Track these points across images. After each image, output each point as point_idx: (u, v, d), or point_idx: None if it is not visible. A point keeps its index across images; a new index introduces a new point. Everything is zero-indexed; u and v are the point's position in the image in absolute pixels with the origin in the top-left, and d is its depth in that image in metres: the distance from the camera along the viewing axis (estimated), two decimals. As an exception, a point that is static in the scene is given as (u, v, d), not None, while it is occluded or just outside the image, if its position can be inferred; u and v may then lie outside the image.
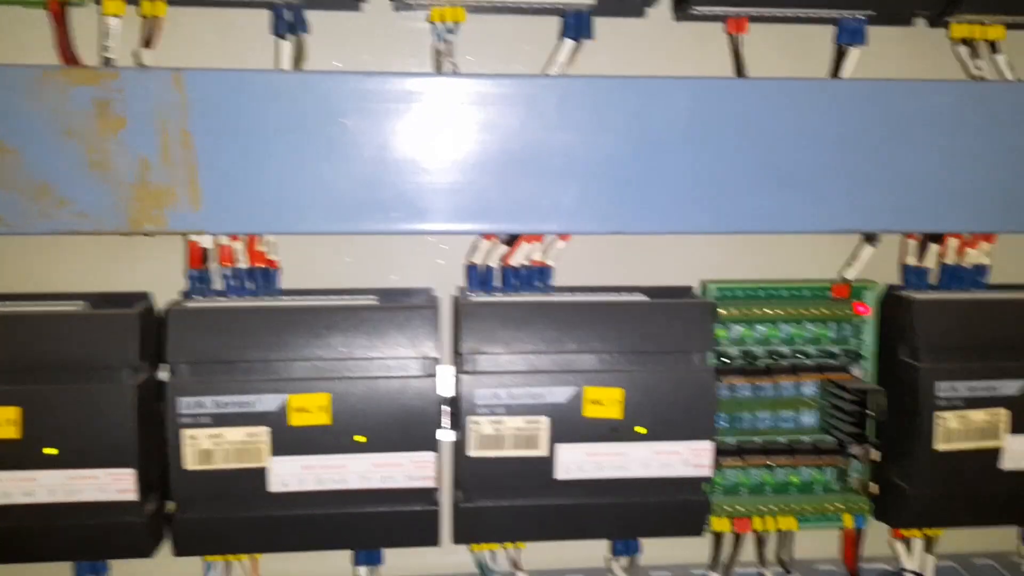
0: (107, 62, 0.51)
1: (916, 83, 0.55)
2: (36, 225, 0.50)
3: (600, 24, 0.56)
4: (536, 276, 0.57)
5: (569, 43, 0.55)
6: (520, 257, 0.57)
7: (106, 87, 0.49)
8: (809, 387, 0.60)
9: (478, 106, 0.52)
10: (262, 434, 0.52)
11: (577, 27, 0.55)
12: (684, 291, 0.59)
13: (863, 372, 0.59)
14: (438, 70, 0.54)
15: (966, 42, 0.58)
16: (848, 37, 0.57)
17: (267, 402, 0.52)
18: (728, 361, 0.58)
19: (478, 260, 0.57)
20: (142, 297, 0.56)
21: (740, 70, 0.56)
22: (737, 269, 0.61)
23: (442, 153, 0.52)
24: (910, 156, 0.55)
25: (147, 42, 0.53)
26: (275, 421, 0.52)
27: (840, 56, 0.57)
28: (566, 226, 0.54)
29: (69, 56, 0.52)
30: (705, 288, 0.59)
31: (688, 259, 0.62)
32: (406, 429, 0.53)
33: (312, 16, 0.55)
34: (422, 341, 0.54)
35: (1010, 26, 0.57)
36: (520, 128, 0.52)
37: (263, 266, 0.55)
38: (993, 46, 0.57)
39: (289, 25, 0.54)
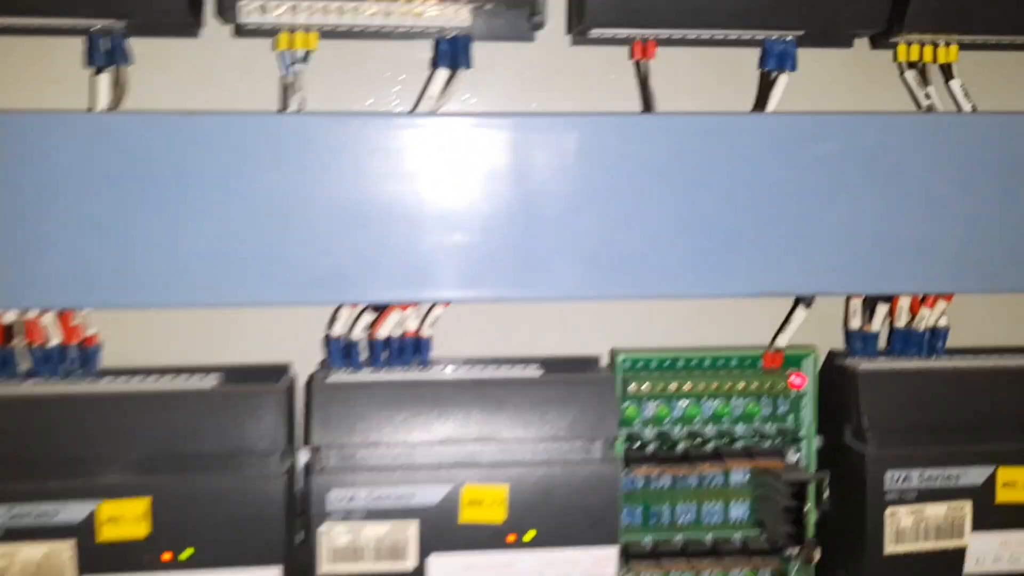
0: None
1: (856, 117, 0.46)
2: None
3: (485, 50, 0.48)
4: (411, 349, 0.48)
5: (442, 73, 0.46)
6: (390, 326, 0.48)
7: None
8: (738, 474, 0.51)
9: (327, 151, 0.43)
10: (64, 551, 0.43)
11: (452, 54, 0.46)
12: (588, 362, 0.51)
13: (801, 456, 0.50)
14: (284, 107, 0.46)
15: (914, 66, 0.49)
16: (775, 62, 0.48)
17: (71, 511, 0.43)
18: (640, 446, 0.49)
19: (339, 331, 0.48)
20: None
21: (648, 104, 0.48)
22: (652, 335, 0.53)
23: (280, 207, 0.43)
24: (850, 203, 0.46)
25: (-68, 78, 0.44)
26: (81, 534, 0.43)
27: (766, 85, 0.48)
28: (436, 293, 0.45)
29: None
30: (614, 358, 0.50)
31: (596, 323, 0.53)
32: (247, 539, 0.44)
33: (140, 45, 0.46)
34: (268, 431, 0.45)
35: (965, 47, 0.49)
36: (379, 176, 0.43)
37: (79, 343, 0.46)
38: (946, 70, 0.49)
39: (107, 56, 0.45)
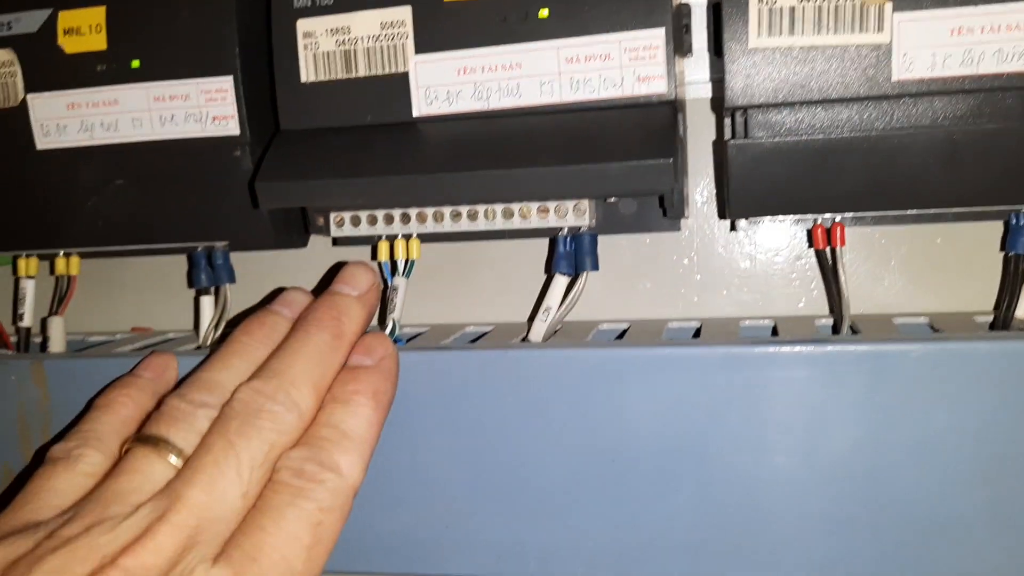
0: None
1: None
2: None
3: (619, 244, 0.39)
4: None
5: (561, 281, 0.37)
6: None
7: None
8: None
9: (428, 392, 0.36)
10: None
11: (573, 256, 0.37)
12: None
13: None
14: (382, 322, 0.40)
15: None
16: (1027, 243, 0.34)
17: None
18: None
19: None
20: None
21: (839, 315, 0.35)
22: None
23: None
24: None
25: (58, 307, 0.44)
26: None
27: (1014, 275, 0.34)
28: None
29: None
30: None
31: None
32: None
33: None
34: None
35: None
36: (492, 428, 0.35)
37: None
38: None
39: (209, 276, 0.42)
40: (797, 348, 0.32)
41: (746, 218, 0.35)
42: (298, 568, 0.24)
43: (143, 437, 0.27)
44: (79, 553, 0.23)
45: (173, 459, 0.26)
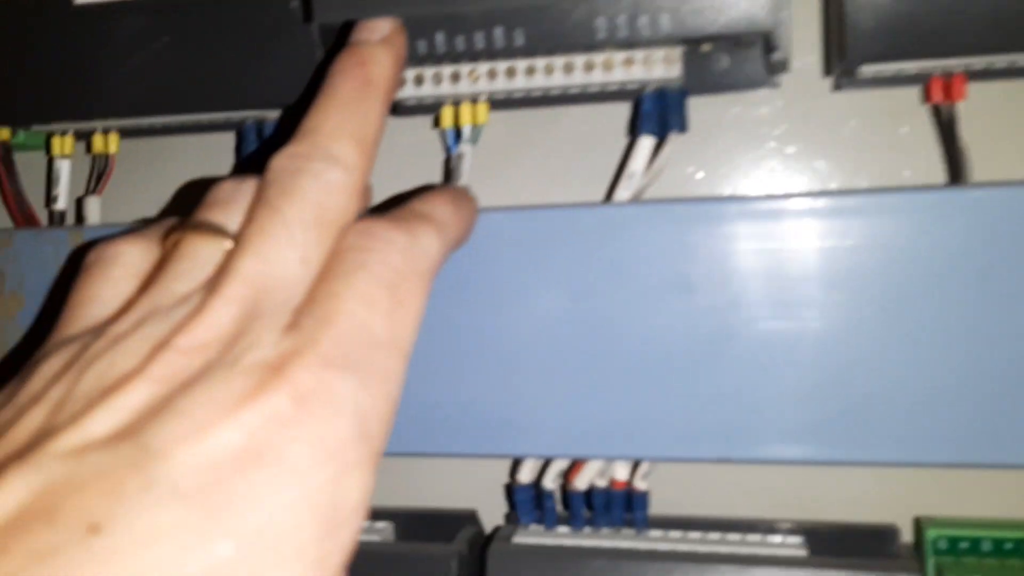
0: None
1: None
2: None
3: (708, 105, 0.35)
4: (620, 505, 0.37)
5: (647, 142, 0.34)
6: (591, 475, 0.36)
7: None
8: None
9: (499, 256, 0.33)
10: None
11: (660, 115, 0.34)
12: (878, 536, 0.35)
13: None
14: (448, 198, 0.36)
15: None
16: None
17: None
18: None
19: (526, 478, 0.38)
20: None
21: (957, 168, 0.32)
22: (986, 496, 0.36)
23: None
24: None
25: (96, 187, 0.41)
26: None
27: None
28: (660, 451, 0.32)
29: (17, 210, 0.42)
30: (920, 532, 0.35)
31: (891, 475, 0.37)
32: None
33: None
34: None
35: None
36: (575, 293, 0.32)
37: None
38: None
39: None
40: (919, 194, 0.29)
41: (862, 65, 0.31)
42: (380, 334, 0.21)
43: (186, 224, 0.24)
44: (130, 347, 0.20)
45: (227, 244, 0.23)
